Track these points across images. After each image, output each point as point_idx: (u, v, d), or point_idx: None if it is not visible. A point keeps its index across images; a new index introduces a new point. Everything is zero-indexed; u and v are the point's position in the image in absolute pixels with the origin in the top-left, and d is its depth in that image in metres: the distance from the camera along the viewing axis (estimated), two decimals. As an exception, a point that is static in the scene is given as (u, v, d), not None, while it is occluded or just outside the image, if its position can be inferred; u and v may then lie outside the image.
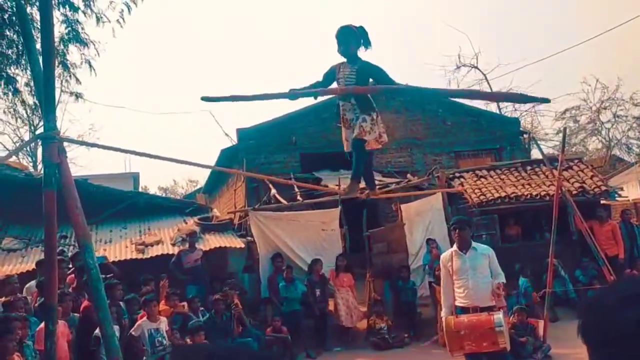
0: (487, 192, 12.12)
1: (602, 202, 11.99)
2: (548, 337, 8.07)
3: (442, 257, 6.20)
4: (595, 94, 24.86)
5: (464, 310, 5.73)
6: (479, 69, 25.46)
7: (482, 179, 12.65)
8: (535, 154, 17.32)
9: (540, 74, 49.34)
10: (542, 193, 11.60)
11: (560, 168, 8.15)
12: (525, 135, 17.48)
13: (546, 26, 45.61)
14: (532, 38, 42.30)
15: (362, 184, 5.43)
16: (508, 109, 25.41)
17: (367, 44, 4.61)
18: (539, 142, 19.08)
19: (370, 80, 4.43)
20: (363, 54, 4.65)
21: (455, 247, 5.97)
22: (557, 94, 30.36)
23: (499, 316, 5.44)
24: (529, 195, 11.74)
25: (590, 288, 9.85)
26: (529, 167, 13.00)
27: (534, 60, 39.32)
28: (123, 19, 9.05)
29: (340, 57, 4.71)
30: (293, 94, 3.96)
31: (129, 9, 8.98)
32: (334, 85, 4.62)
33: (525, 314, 8.49)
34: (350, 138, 4.72)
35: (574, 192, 11.13)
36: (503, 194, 11.89)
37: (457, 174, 13.16)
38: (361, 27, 4.58)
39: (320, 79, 4.69)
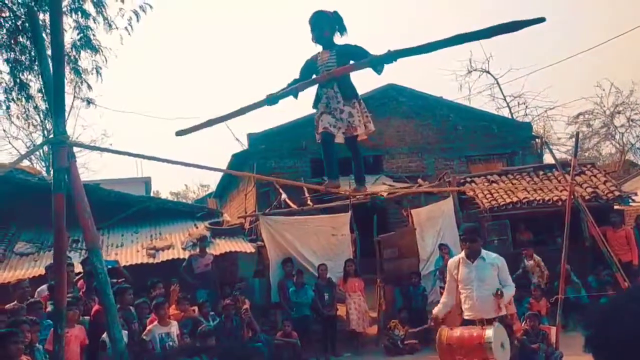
0: (499, 197, 12.05)
1: (615, 207, 11.88)
2: (560, 343, 7.97)
3: (449, 262, 6.02)
4: (609, 98, 24.68)
5: (470, 322, 5.50)
6: (490, 74, 25.37)
7: (494, 184, 12.58)
8: (548, 158, 17.21)
9: (553, 79, 49.06)
10: (555, 198, 11.51)
11: (573, 173, 8.07)
12: (537, 140, 17.34)
13: (558, 30, 45.40)
14: (544, 42, 42.07)
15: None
16: (520, 114, 25.30)
17: (342, 29, 4.34)
18: (551, 146, 18.93)
19: (351, 62, 4.05)
20: (339, 40, 4.35)
21: (463, 254, 5.76)
22: (570, 99, 30.21)
23: (489, 331, 5.18)
24: (541, 201, 11.65)
25: (604, 295, 9.74)
26: (541, 172, 12.92)
27: (546, 65, 39.12)
28: (131, 26, 9.14)
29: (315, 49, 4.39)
30: (270, 99, 3.71)
31: (137, 17, 9.07)
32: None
33: (537, 320, 8.41)
34: (327, 127, 4.34)
35: (587, 197, 11.03)
36: (515, 199, 11.81)
37: (468, 179, 13.10)
38: (335, 12, 4.33)
39: (297, 76, 4.37)
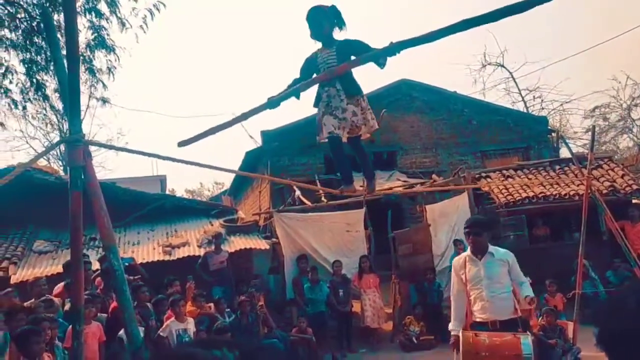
0: (515, 192, 11.95)
1: (633, 201, 11.71)
2: (578, 339, 7.90)
3: (454, 263, 5.44)
4: (625, 91, 24.32)
5: (482, 325, 4.97)
6: (505, 68, 25.16)
7: (509, 179, 12.49)
8: (564, 153, 17.03)
9: (568, 72, 48.50)
10: (571, 193, 11.39)
11: (590, 167, 7.97)
12: (553, 134, 17.17)
13: (573, 23, 44.85)
14: (559, 35, 41.59)
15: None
16: (535, 108, 25.07)
17: (342, 23, 4.18)
18: (567, 140, 18.76)
19: (352, 57, 3.88)
20: (338, 35, 4.22)
21: (469, 251, 5.26)
22: (586, 92, 29.88)
23: (527, 341, 4.62)
24: (557, 195, 11.54)
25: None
26: (557, 167, 12.80)
27: (561, 58, 38.69)
28: (146, 24, 9.21)
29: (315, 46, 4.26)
30: (272, 102, 3.56)
31: (152, 15, 9.13)
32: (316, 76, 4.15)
33: (554, 316, 8.35)
34: (332, 131, 4.23)
35: (604, 191, 10.91)
36: (531, 194, 11.71)
37: (483, 174, 13.01)
38: (333, 7, 4.18)
39: (297, 75, 4.25)
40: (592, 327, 1.04)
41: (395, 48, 2.98)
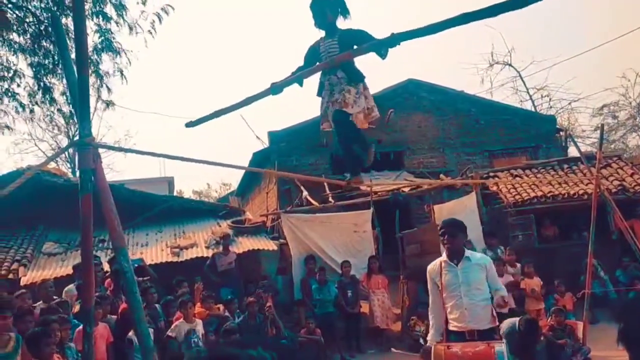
0: (523, 191, 11.91)
1: (643, 200, 11.64)
2: (587, 339, 7.87)
3: (429, 268, 5.06)
4: (634, 89, 24.20)
5: (458, 335, 4.66)
6: (512, 66, 25.10)
7: (517, 178, 12.44)
8: (572, 152, 16.94)
9: (577, 70, 48.25)
10: (580, 192, 11.34)
11: (599, 166, 7.93)
12: (561, 133, 17.08)
13: (581, 21, 44.63)
14: (567, 33, 41.43)
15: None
16: (543, 107, 24.98)
17: (345, 12, 4.18)
18: (575, 139, 18.67)
19: (355, 46, 3.87)
20: (342, 24, 4.24)
21: (444, 256, 4.93)
22: (595, 90, 29.73)
23: (501, 350, 4.33)
24: (566, 195, 11.49)
25: (632, 289, 9.57)
26: (565, 166, 12.74)
27: (569, 56, 38.50)
28: (154, 29, 9.26)
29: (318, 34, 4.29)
30: (275, 88, 3.56)
31: (159, 19, 9.19)
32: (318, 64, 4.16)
33: (563, 316, 8.31)
34: (330, 112, 4.23)
35: (614, 190, 10.85)
36: (539, 194, 11.67)
37: (491, 174, 12.97)
38: None
39: (301, 63, 4.25)
40: (614, 325, 1.04)
41: (396, 39, 2.97)
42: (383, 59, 3.41)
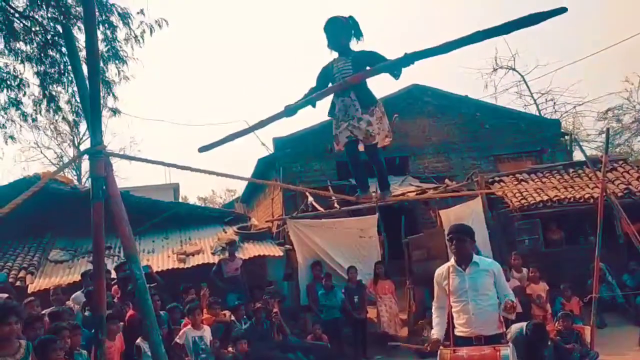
0: (529, 195, 11.89)
1: (649, 203, 11.60)
2: (595, 343, 7.84)
3: (436, 274, 5.08)
4: (638, 93, 24.16)
5: (465, 340, 4.65)
6: (516, 71, 25.12)
7: (523, 183, 12.42)
8: (578, 155, 16.92)
9: (581, 74, 48.19)
10: (586, 196, 11.32)
11: (604, 170, 7.93)
12: (566, 137, 17.06)
13: (585, 24, 44.60)
14: (570, 37, 41.38)
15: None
16: (548, 111, 24.95)
17: (359, 34, 4.23)
18: (581, 143, 18.62)
19: (368, 68, 3.88)
20: (355, 46, 4.26)
21: (452, 261, 4.93)
22: (599, 94, 29.68)
23: (506, 352, 4.35)
24: (572, 199, 11.46)
25: (639, 293, 9.54)
26: (571, 170, 12.72)
27: (573, 60, 38.47)
28: (142, 38, 9.38)
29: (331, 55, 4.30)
30: (289, 110, 3.64)
31: (151, 31, 9.31)
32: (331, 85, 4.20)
33: (570, 320, 8.29)
34: (349, 135, 4.27)
35: (620, 194, 10.82)
36: (545, 198, 11.64)
37: (496, 178, 12.96)
38: (351, 17, 4.20)
39: (313, 84, 4.30)
40: (624, 329, 1.05)
41: (409, 58, 3.01)
42: (396, 79, 3.46)
